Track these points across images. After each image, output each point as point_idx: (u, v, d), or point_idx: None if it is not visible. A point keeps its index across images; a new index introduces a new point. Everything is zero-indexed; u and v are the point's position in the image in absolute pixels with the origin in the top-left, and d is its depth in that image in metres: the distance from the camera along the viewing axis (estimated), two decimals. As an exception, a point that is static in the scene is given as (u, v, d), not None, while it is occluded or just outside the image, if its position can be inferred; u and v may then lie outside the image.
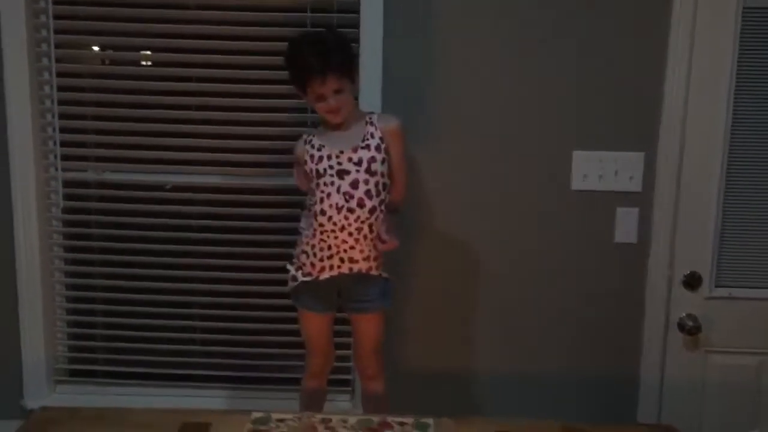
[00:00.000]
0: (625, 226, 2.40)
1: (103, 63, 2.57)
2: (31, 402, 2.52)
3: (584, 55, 2.33)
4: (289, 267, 2.19)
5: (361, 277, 2.14)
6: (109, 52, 2.54)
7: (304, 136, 2.16)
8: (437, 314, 2.50)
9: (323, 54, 1.98)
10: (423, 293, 2.48)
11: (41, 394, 2.54)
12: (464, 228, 2.45)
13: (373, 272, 2.14)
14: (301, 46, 2.04)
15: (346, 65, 2.03)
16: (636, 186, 2.37)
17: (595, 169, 2.37)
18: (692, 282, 2.40)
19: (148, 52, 2.49)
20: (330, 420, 1.85)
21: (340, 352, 2.40)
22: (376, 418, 1.86)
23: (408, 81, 2.36)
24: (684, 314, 2.41)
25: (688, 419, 2.39)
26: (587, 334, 2.47)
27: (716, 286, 2.41)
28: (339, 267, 2.11)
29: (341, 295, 2.19)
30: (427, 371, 2.52)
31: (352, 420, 1.85)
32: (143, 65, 2.52)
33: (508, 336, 2.49)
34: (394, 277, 2.20)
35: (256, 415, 1.86)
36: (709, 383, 2.45)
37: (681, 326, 2.41)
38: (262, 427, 1.79)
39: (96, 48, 2.53)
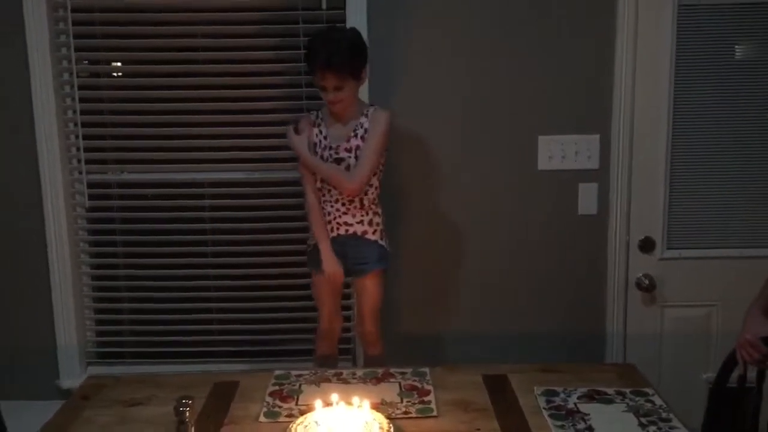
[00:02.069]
0: (587, 199, 2.74)
1: (117, 75, 2.86)
2: (66, 382, 2.80)
3: (545, 55, 2.67)
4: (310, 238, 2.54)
5: (360, 241, 2.46)
6: (124, 65, 2.83)
7: (312, 117, 2.46)
8: (429, 284, 2.82)
9: (330, 54, 2.26)
10: (415, 266, 2.79)
11: (75, 375, 2.82)
12: (448, 207, 2.76)
13: (369, 236, 2.46)
14: (317, 40, 2.31)
15: (349, 68, 2.29)
16: (594, 164, 2.71)
17: (558, 151, 2.70)
18: (647, 246, 2.74)
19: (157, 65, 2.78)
20: (341, 373, 2.17)
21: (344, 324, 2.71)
22: (380, 370, 2.18)
23: (391, 76, 2.67)
24: (641, 274, 2.75)
25: (649, 365, 2.66)
26: (558, 295, 2.80)
27: (668, 248, 2.75)
28: (337, 229, 2.46)
29: (346, 258, 2.49)
30: (422, 333, 2.83)
31: (360, 372, 2.18)
32: (152, 76, 2.80)
33: (490, 299, 2.82)
34: (392, 243, 2.53)
35: (277, 372, 2.16)
36: (665, 333, 2.79)
37: (638, 285, 2.75)
38: (284, 382, 2.10)
39: (115, 63, 2.83)
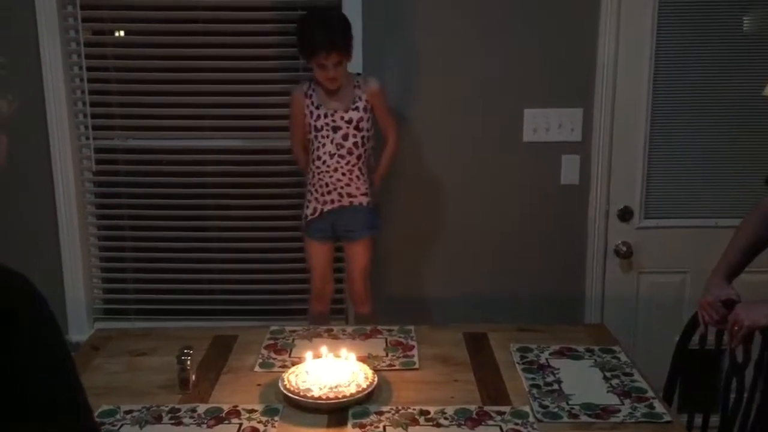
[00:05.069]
0: (569, 170, 2.86)
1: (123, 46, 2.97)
2: (75, 337, 2.95)
3: (532, 33, 2.77)
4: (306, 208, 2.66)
5: (354, 209, 2.61)
6: (130, 36, 2.94)
7: (303, 87, 2.56)
8: (417, 248, 2.96)
9: (330, 33, 2.38)
10: (404, 231, 2.92)
11: (82, 330, 2.98)
12: (437, 176, 2.89)
13: (364, 205, 2.61)
14: (310, 23, 2.42)
15: (348, 44, 2.43)
16: (576, 137, 2.83)
17: (543, 124, 2.82)
18: (625, 215, 2.88)
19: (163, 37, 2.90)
20: (332, 330, 2.33)
21: (336, 286, 2.86)
22: (368, 327, 2.34)
23: (381, 48, 2.78)
24: (619, 242, 2.89)
25: (625, 328, 2.85)
26: (540, 261, 2.94)
27: (645, 218, 2.89)
28: (339, 200, 2.58)
29: (335, 226, 2.64)
30: (410, 295, 2.98)
31: (350, 329, 2.33)
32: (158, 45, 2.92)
33: (476, 263, 2.95)
34: (382, 209, 2.67)
35: (273, 328, 2.32)
36: (641, 298, 2.94)
37: (617, 252, 2.90)
38: (279, 336, 2.26)
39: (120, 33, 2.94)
